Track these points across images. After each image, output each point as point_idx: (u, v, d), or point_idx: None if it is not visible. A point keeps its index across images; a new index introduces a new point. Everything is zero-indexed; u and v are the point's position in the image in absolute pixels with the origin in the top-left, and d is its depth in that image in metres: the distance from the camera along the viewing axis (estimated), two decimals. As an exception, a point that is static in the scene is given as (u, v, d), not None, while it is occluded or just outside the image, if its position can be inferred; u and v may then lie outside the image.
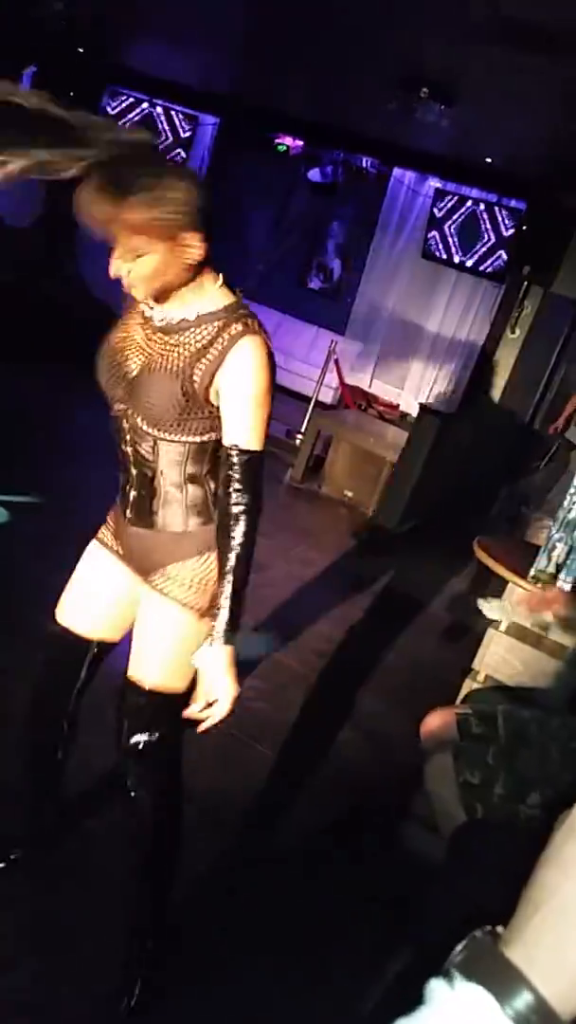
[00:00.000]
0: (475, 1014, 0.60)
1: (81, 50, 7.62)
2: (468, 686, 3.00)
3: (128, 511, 1.87)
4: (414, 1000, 0.66)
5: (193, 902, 2.26)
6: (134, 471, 1.82)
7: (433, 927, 1.97)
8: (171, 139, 8.18)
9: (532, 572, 2.82)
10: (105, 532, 1.99)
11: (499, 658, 2.95)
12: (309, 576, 4.77)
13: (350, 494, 6.55)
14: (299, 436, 7.39)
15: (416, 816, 2.84)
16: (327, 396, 8.16)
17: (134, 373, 1.75)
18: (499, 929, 0.67)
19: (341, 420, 7.04)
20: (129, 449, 1.80)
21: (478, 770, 2.18)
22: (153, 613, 1.84)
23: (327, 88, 6.71)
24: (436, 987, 0.64)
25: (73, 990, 1.95)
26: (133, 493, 1.84)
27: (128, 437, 1.79)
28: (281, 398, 9.58)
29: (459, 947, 0.66)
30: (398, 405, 8.26)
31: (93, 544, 2.01)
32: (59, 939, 2.07)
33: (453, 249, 7.47)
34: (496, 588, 3.23)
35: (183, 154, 8.16)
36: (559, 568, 2.80)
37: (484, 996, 0.61)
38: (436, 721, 2.49)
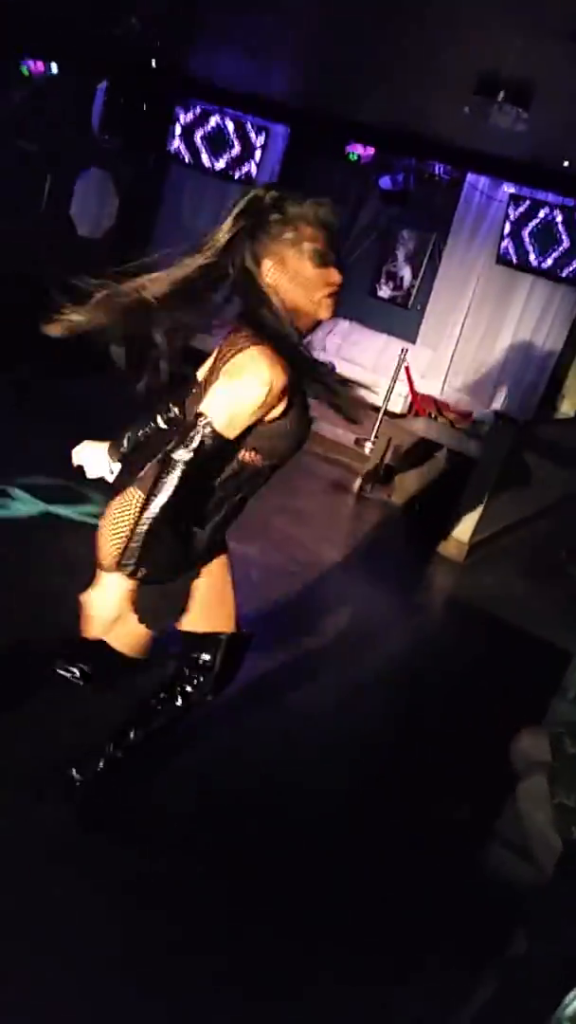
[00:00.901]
0: None
1: (154, 63, 7.72)
2: (557, 705, 2.90)
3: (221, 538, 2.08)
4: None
5: (255, 911, 2.21)
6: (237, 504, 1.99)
7: (523, 965, 1.88)
8: (241, 149, 8.22)
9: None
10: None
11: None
12: (381, 588, 4.70)
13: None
14: (369, 444, 7.32)
15: (502, 838, 2.75)
16: (397, 405, 8.07)
17: None
18: None
19: (410, 428, 6.95)
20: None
21: (574, 792, 2.11)
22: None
23: (399, 94, 6.66)
24: None
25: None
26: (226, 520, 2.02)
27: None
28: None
29: (571, 996, 0.59)
30: (471, 413, 8.12)
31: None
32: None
33: (529, 254, 7.31)
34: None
35: (255, 164, 8.18)
36: None
37: None
38: (527, 740, 2.41)
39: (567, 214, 7.01)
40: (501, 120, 5.18)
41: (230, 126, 8.26)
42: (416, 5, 4.69)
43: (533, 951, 1.90)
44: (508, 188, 7.53)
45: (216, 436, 1.76)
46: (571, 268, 7.05)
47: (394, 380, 7.57)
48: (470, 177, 7.78)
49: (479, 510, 5.79)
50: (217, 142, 8.31)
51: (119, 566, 1.79)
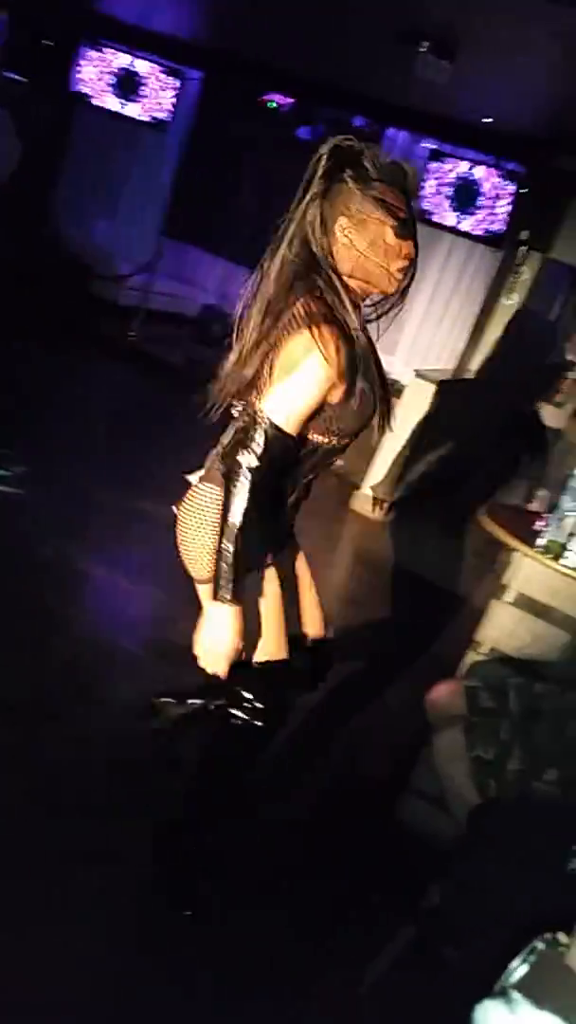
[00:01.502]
0: None
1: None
2: (471, 659, 2.89)
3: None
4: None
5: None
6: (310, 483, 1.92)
7: (445, 912, 1.86)
8: (154, 93, 7.87)
9: (543, 542, 2.70)
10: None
11: (505, 630, 2.84)
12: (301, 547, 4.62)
13: (340, 463, 6.39)
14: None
15: (418, 791, 2.74)
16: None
17: None
18: (562, 937, 0.53)
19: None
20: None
21: (491, 746, 2.08)
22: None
23: (320, 43, 6.46)
24: (491, 1013, 0.50)
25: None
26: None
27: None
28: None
29: (517, 962, 0.52)
30: (388, 373, 8.09)
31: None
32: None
33: (449, 213, 7.25)
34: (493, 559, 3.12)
35: (168, 110, 7.86)
36: (571, 536, 2.68)
37: None
38: (443, 693, 2.39)
39: (487, 173, 6.95)
40: (424, 71, 5.07)
41: (142, 68, 7.89)
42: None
43: (449, 903, 1.87)
44: (427, 144, 7.44)
45: (279, 434, 1.67)
46: (490, 227, 7.02)
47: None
48: (389, 131, 7.65)
49: (395, 467, 5.79)
50: (128, 85, 7.93)
51: (217, 597, 1.70)
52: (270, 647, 1.92)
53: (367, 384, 1.79)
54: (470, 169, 7.00)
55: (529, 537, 2.74)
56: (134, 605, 3.52)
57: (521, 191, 6.70)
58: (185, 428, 6.46)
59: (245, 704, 1.88)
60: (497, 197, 7.01)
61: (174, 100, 7.85)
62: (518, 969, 0.49)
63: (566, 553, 2.69)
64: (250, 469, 1.66)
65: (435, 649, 3.90)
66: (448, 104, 6.57)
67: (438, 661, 3.80)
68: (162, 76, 7.82)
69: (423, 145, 7.52)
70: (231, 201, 9.15)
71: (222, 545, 1.68)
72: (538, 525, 2.70)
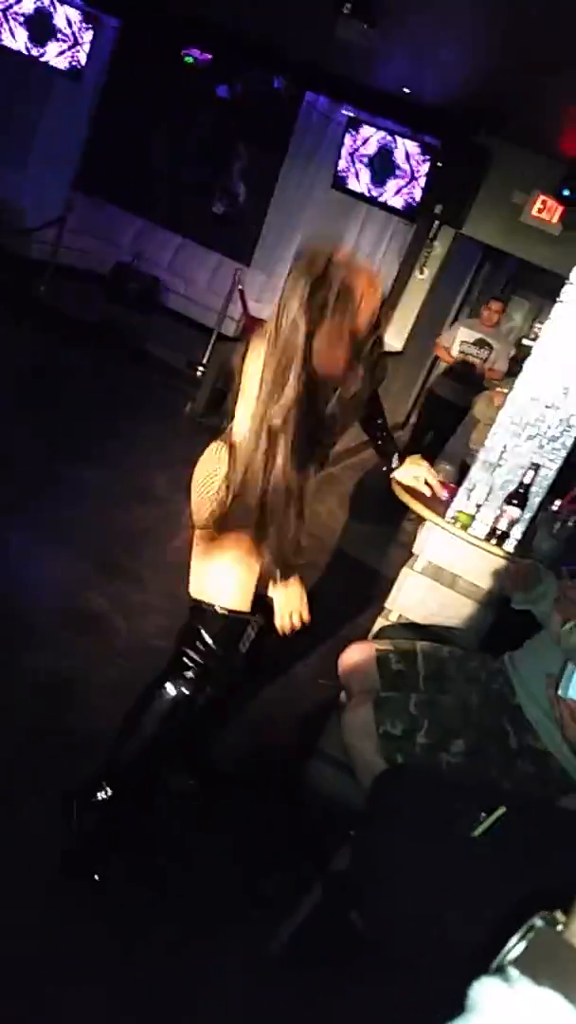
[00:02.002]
0: (545, 1022, 0.50)
1: None
2: (379, 624, 2.96)
3: None
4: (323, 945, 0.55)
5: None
6: None
7: (355, 874, 1.91)
8: (67, 38, 7.56)
9: (452, 512, 2.77)
10: None
11: (413, 598, 2.91)
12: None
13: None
14: (200, 368, 7.16)
15: (325, 755, 2.80)
16: (230, 328, 7.92)
17: None
18: (559, 915, 0.56)
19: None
20: None
21: (400, 720, 2.13)
22: None
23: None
24: (490, 988, 0.53)
25: None
26: None
27: None
28: (179, 328, 9.24)
29: (515, 939, 0.55)
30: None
31: None
32: None
33: (365, 182, 7.25)
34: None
35: (80, 58, 7.56)
36: (479, 508, 2.77)
37: (556, 1000, 0.51)
38: (355, 656, 2.44)
39: (404, 143, 6.98)
40: (346, 34, 5.03)
41: (56, 10, 7.55)
42: None
43: (350, 868, 1.92)
44: (347, 111, 7.41)
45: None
46: (405, 199, 7.07)
47: (227, 302, 7.40)
48: (309, 95, 7.58)
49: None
50: (40, 27, 7.59)
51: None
52: (240, 598, 2.05)
53: None
54: (388, 139, 7.01)
55: (439, 508, 2.80)
56: (47, 570, 3.46)
57: (437, 165, 6.75)
58: (95, 385, 6.33)
59: (199, 644, 2.03)
60: (413, 170, 7.06)
61: (89, 48, 7.57)
62: (516, 946, 0.52)
63: (473, 524, 2.77)
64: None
65: (347, 615, 3.98)
66: (368, 72, 6.56)
67: (351, 628, 3.89)
68: (78, 21, 7.52)
69: (342, 112, 7.49)
70: (146, 157, 8.92)
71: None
72: (447, 495, 2.77)
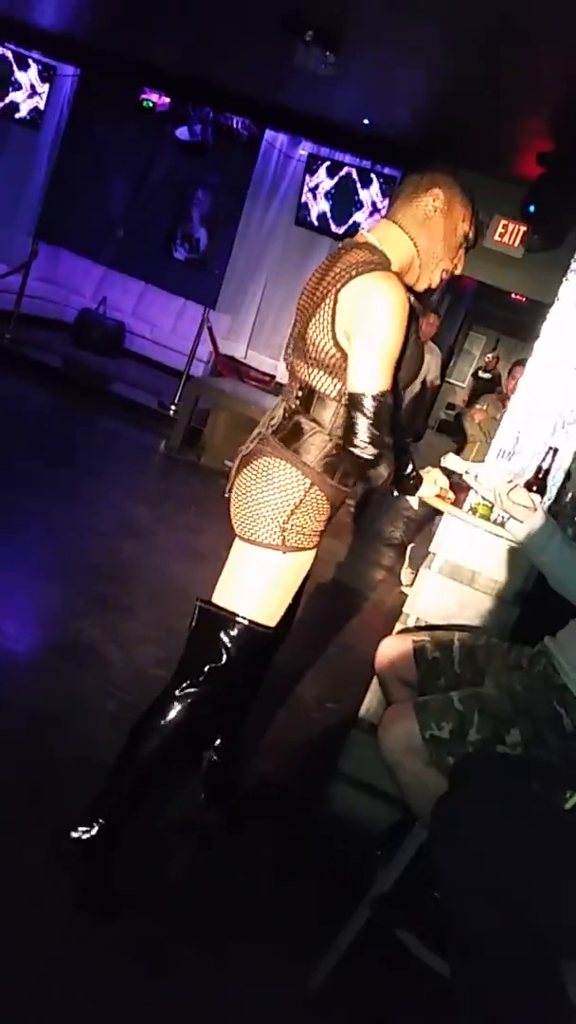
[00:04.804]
0: None
1: None
2: (398, 629, 2.79)
3: None
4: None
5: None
6: None
7: (434, 840, 1.67)
8: (25, 88, 7.58)
9: (470, 504, 2.65)
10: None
11: (432, 600, 2.76)
12: (200, 544, 4.45)
13: (231, 464, 6.25)
14: (172, 408, 7.05)
15: (346, 775, 2.62)
16: (198, 370, 7.84)
17: None
18: None
19: (219, 389, 6.73)
20: None
21: (446, 720, 1.90)
22: None
23: (197, 39, 6.38)
24: None
25: None
26: None
27: None
28: (146, 370, 9.15)
29: None
30: (274, 376, 8.04)
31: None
32: None
33: (328, 217, 7.30)
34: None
35: (40, 107, 7.57)
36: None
37: None
38: (392, 650, 2.26)
39: (364, 176, 7.05)
40: (308, 62, 5.06)
41: (11, 62, 7.59)
42: None
43: (428, 836, 1.68)
44: (305, 148, 7.48)
45: (383, 399, 1.67)
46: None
47: (196, 342, 7.33)
48: (268, 134, 7.65)
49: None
50: (-2, 78, 7.61)
51: None
52: (270, 612, 1.91)
53: (413, 336, 1.79)
54: (348, 172, 7.07)
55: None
56: (38, 603, 3.25)
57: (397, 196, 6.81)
58: (67, 427, 6.24)
59: (220, 650, 1.86)
60: (374, 202, 7.12)
61: (48, 96, 7.59)
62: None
63: (492, 513, 2.65)
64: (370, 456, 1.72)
65: (350, 641, 3.81)
66: (328, 105, 6.63)
67: (357, 652, 3.72)
68: (36, 71, 7.55)
69: (301, 150, 7.56)
70: (106, 204, 8.90)
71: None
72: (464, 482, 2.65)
